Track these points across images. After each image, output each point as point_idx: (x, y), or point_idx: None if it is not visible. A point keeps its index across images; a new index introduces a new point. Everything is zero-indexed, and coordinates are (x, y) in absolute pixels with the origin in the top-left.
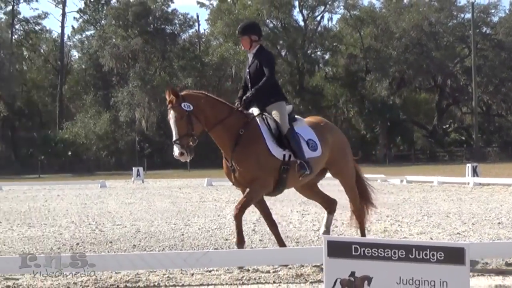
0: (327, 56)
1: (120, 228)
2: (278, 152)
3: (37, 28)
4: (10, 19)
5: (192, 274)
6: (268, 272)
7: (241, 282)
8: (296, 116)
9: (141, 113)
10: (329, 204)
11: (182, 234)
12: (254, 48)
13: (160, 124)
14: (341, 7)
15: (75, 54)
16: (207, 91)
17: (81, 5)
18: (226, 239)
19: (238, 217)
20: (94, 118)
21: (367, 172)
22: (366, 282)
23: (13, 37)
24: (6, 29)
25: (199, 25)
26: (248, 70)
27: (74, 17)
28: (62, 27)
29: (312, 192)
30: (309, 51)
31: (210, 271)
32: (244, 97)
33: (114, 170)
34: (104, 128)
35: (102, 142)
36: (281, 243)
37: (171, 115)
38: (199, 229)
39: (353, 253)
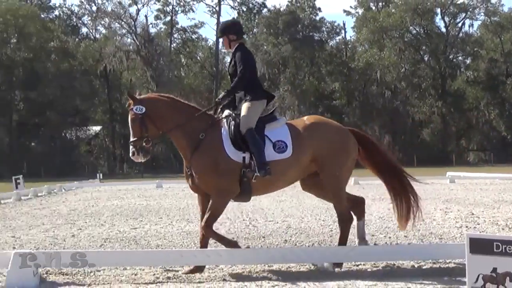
0: (468, 61)
1: (272, 224)
2: (236, 155)
3: (193, 36)
4: (169, 29)
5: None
6: (413, 267)
7: (387, 277)
8: (278, 116)
9: (291, 115)
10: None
11: (331, 230)
12: (233, 48)
13: None
14: (482, 13)
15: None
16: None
17: (235, 14)
18: (373, 235)
19: (209, 234)
20: None
21: (508, 172)
22: (508, 279)
23: (172, 46)
24: (165, 38)
25: (345, 32)
26: (228, 71)
27: None
28: (217, 35)
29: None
30: (450, 56)
31: (357, 265)
32: (217, 99)
33: None
34: None
35: None
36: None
37: (129, 117)
38: None
39: (495, 250)
